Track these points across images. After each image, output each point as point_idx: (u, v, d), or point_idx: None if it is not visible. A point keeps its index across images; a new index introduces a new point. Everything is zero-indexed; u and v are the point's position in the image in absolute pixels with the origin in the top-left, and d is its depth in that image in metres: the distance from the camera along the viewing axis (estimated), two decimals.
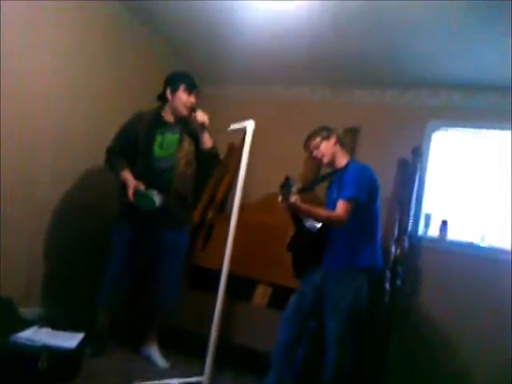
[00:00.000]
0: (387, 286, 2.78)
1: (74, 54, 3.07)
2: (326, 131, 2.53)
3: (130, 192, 2.53)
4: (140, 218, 2.59)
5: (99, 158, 2.87)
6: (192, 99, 2.70)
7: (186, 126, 2.73)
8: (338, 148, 2.52)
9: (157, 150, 2.68)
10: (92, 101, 3.24)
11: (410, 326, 3.15)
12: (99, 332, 2.62)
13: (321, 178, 2.77)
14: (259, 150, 3.19)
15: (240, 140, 3.31)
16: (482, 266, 3.12)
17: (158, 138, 2.69)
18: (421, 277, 3.26)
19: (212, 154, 2.79)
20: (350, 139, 3.57)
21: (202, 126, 2.65)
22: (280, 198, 2.12)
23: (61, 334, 2.23)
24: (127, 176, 2.62)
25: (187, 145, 2.72)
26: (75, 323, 2.47)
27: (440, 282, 3.20)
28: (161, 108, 2.78)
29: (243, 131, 2.42)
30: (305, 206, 2.25)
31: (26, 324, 2.23)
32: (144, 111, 2.81)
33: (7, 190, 2.66)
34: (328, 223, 2.36)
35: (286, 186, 2.08)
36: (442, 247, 3.28)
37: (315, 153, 2.52)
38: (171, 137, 2.70)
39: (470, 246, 3.23)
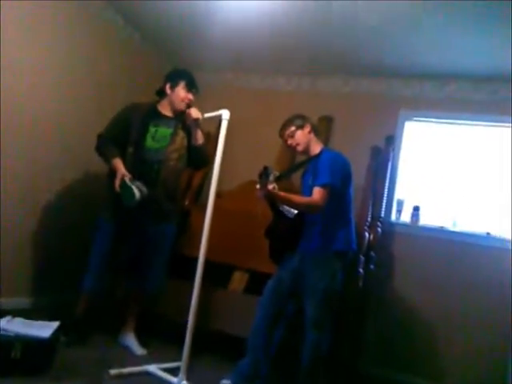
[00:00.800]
0: (361, 270, 2.84)
1: (71, 50, 3.16)
2: (300, 120, 2.55)
3: (118, 181, 2.49)
4: (126, 209, 2.53)
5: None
6: (190, 96, 2.71)
7: (182, 121, 2.73)
8: (312, 136, 2.55)
9: (149, 141, 2.66)
10: (88, 92, 3.33)
11: (384, 309, 3.24)
12: (75, 321, 2.58)
13: (296, 166, 2.80)
14: (235, 138, 3.20)
15: (216, 128, 3.31)
16: (454, 250, 3.23)
17: (152, 130, 2.68)
18: (394, 261, 3.35)
19: (202, 151, 2.79)
20: (324, 127, 3.61)
21: (196, 122, 2.65)
22: (258, 187, 2.14)
23: (35, 323, 2.19)
24: (118, 165, 2.56)
25: (180, 139, 2.72)
26: (51, 313, 2.45)
27: (412, 266, 3.29)
28: (158, 102, 2.79)
29: (219, 120, 2.43)
30: (282, 194, 2.29)
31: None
32: (141, 102, 2.81)
33: None
34: (305, 209, 2.40)
35: (264, 175, 2.10)
36: (415, 232, 3.37)
37: (290, 141, 2.55)
38: (165, 130, 2.70)
39: (442, 230, 3.33)
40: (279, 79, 4.01)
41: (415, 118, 3.63)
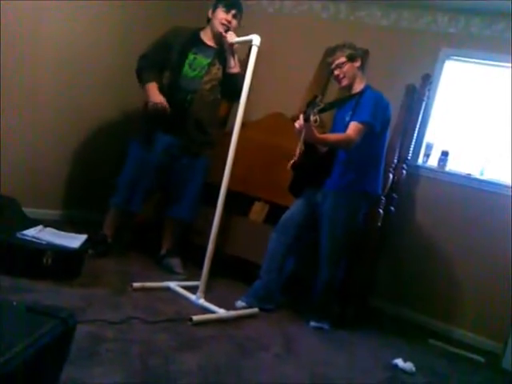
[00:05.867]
0: (381, 210, 2.85)
1: None
2: (353, 51, 2.45)
3: (152, 105, 2.51)
4: (157, 141, 2.61)
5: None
6: (229, 17, 2.62)
7: (222, 51, 2.67)
8: (359, 72, 2.47)
9: (186, 68, 2.64)
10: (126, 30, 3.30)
11: (401, 249, 3.27)
12: (103, 235, 2.70)
13: (339, 101, 2.71)
14: (264, 66, 3.10)
15: (244, 55, 3.20)
16: (479, 198, 3.15)
17: (190, 57, 2.65)
18: (415, 204, 3.32)
19: (236, 81, 2.62)
20: None
21: (231, 48, 2.59)
22: (302, 116, 2.08)
23: (65, 234, 2.32)
24: (153, 90, 2.55)
25: (215, 70, 2.68)
26: (80, 226, 2.58)
27: (434, 211, 3.26)
28: (201, 28, 2.74)
29: (248, 46, 2.34)
30: (318, 134, 2.22)
31: (32, 223, 2.31)
32: (184, 27, 2.75)
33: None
34: (338, 145, 2.37)
35: (312, 104, 2.04)
36: (440, 177, 3.30)
37: (337, 72, 2.48)
38: (203, 59, 2.67)
39: (468, 178, 3.25)
40: (315, 6, 3.78)
41: (456, 58, 3.41)
